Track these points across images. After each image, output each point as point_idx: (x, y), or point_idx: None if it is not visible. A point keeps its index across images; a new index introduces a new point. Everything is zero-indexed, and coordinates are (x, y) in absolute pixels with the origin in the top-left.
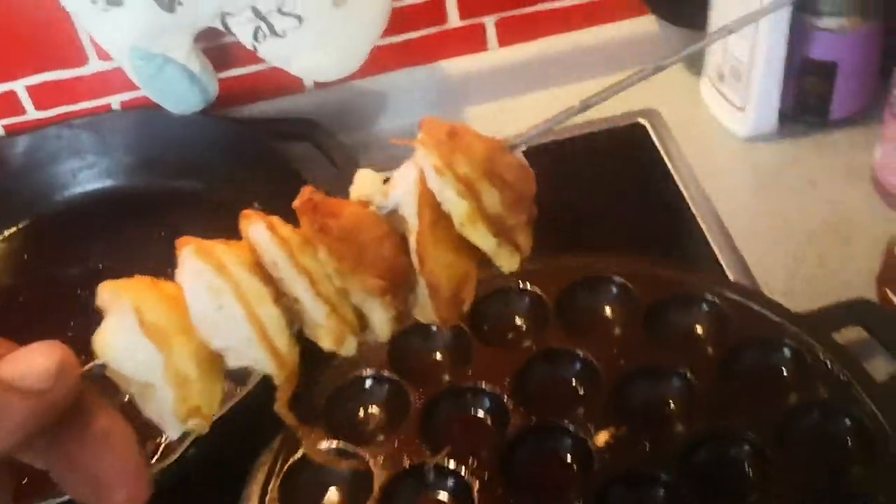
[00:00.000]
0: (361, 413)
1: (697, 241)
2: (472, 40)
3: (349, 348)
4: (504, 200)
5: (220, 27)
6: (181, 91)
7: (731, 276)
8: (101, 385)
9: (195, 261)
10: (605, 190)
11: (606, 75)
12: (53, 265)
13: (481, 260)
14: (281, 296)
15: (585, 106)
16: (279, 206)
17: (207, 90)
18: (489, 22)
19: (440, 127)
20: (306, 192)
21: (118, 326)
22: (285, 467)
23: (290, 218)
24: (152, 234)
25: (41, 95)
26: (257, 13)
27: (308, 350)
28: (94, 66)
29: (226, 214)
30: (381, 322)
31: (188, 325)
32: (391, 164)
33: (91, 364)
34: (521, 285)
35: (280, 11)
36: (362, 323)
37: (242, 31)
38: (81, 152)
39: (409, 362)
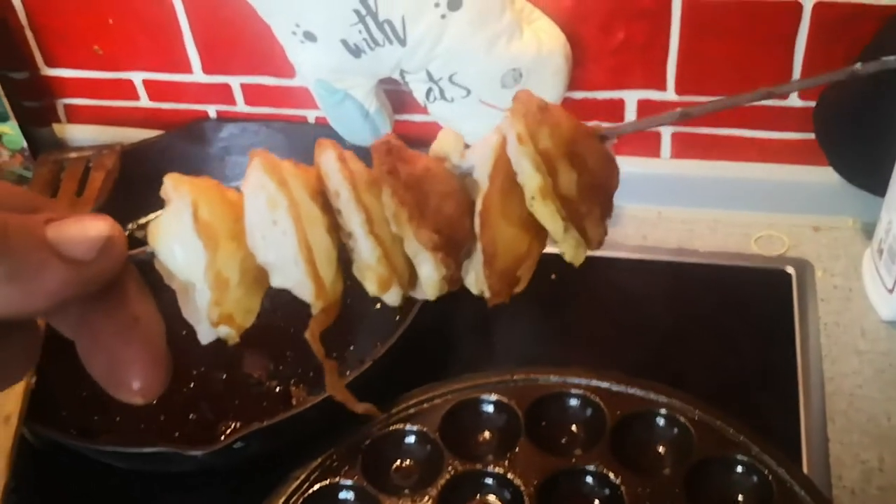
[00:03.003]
0: (397, 463)
1: (788, 411)
2: (644, 144)
3: (393, 297)
4: (581, 184)
5: (399, 79)
6: (355, 125)
7: (805, 458)
8: (143, 275)
9: (260, 173)
10: (718, 325)
11: (770, 211)
12: None
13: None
14: (336, 228)
15: (686, 114)
16: None
17: (378, 129)
18: (666, 132)
19: (533, 99)
20: (388, 135)
21: (173, 218)
22: (311, 490)
23: None
24: None
25: (251, 93)
26: (431, 77)
27: None
28: (299, 80)
29: None
30: (430, 279)
31: (240, 233)
32: None
33: (140, 249)
34: (587, 395)
35: (451, 80)
36: (412, 276)
37: (417, 88)
38: (272, 150)
39: (457, 431)
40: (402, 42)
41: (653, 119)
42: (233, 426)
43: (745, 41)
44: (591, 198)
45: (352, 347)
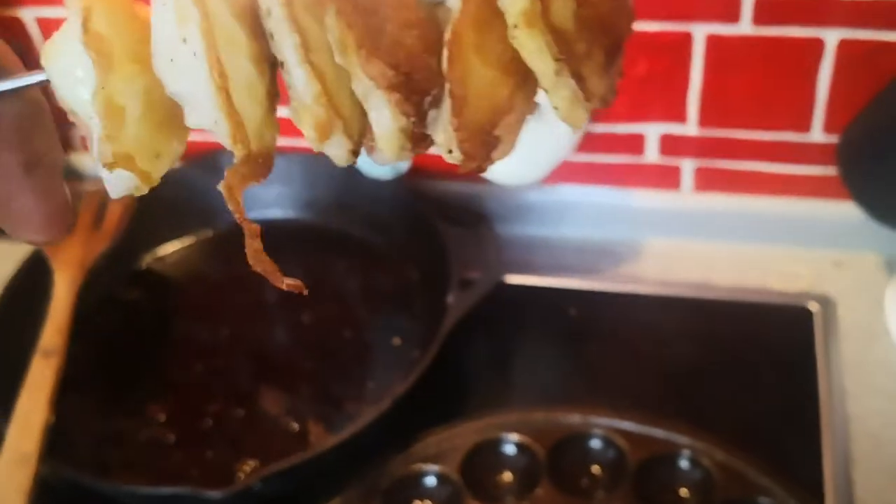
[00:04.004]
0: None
1: (811, 452)
2: (665, 177)
3: (336, 149)
4: (580, 16)
5: None
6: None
7: (829, 502)
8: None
9: None
10: (738, 363)
11: (791, 246)
12: (235, 271)
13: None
14: (269, 60)
15: None
16: (427, 280)
17: (398, 164)
18: (687, 166)
19: None
20: None
21: (65, 32)
22: None
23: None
24: (320, 267)
25: None
26: None
27: None
28: None
29: (379, 267)
30: (386, 130)
31: (145, 57)
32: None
33: (30, 73)
34: (609, 437)
35: None
36: (364, 128)
37: None
38: (291, 182)
39: (477, 471)
40: None
41: None
42: (250, 465)
43: (767, 75)
44: (593, 36)
45: (370, 383)
